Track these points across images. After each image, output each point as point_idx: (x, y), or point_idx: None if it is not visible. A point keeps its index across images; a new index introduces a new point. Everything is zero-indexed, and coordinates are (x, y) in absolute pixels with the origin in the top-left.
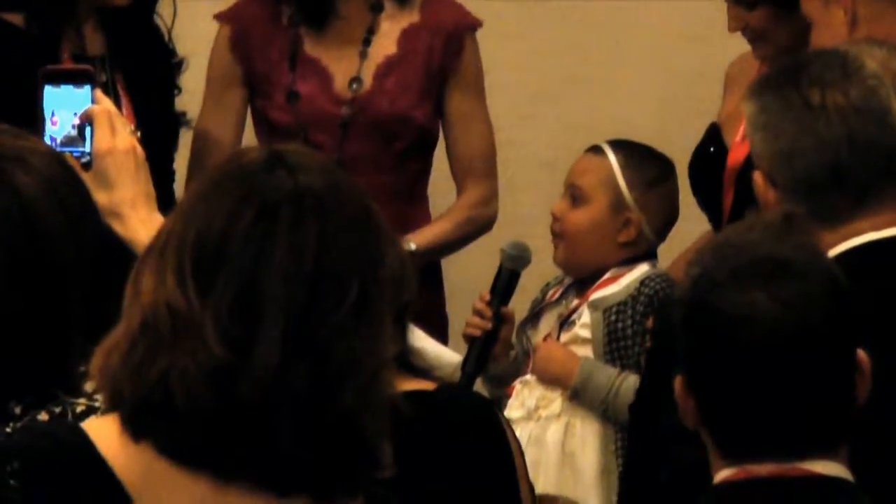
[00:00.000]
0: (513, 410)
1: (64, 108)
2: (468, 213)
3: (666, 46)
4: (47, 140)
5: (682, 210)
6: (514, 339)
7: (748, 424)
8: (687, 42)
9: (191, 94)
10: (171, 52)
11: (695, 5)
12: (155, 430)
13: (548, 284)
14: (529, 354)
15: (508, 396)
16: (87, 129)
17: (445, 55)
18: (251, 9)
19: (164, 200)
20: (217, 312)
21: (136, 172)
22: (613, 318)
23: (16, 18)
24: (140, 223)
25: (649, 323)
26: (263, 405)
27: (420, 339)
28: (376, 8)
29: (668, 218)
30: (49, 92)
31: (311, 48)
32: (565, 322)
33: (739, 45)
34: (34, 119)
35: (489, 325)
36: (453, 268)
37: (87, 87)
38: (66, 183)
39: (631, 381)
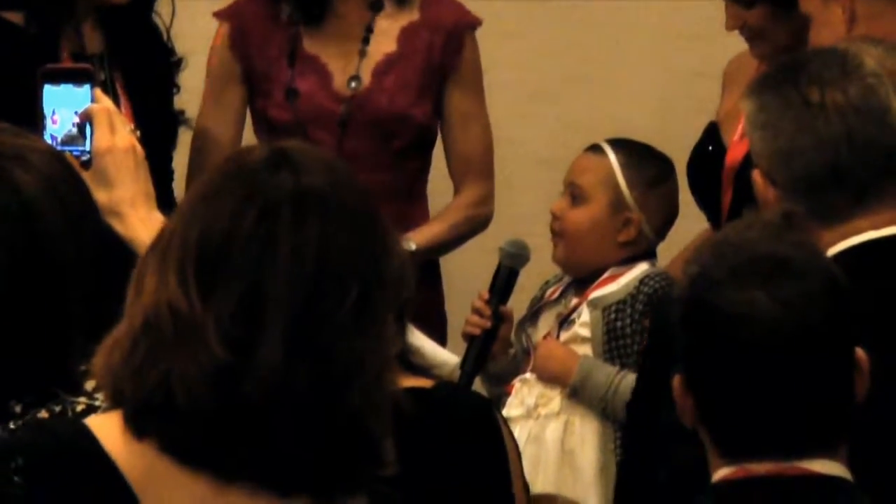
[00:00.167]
0: (512, 409)
1: (64, 106)
2: (465, 212)
3: (665, 46)
4: (47, 139)
5: (682, 208)
6: (513, 337)
7: (747, 423)
8: (686, 41)
9: (190, 93)
10: (169, 51)
11: (694, 5)
12: (157, 429)
13: (547, 283)
14: (529, 353)
15: (508, 395)
16: (88, 128)
17: (445, 53)
18: (250, 7)
19: (163, 199)
20: (219, 314)
21: (135, 171)
22: (613, 316)
23: (15, 17)
24: (139, 222)
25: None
26: (265, 406)
27: (417, 338)
28: (376, 6)
29: (667, 217)
30: (49, 91)
31: (310, 46)
32: (565, 321)
33: (739, 45)
34: (33, 118)
35: (488, 324)
36: (452, 266)
37: (87, 86)
38: (66, 181)
39: (630, 379)
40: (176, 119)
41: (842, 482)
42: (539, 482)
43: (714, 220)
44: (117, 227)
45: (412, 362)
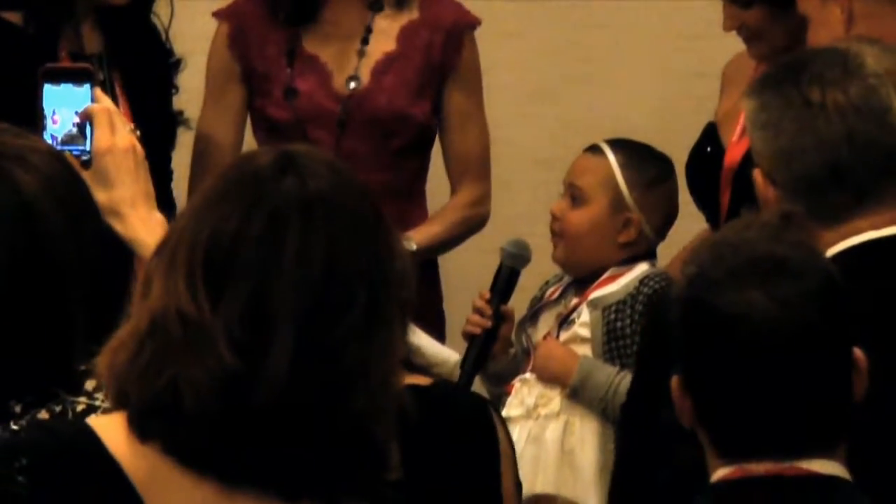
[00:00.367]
0: (512, 409)
1: (65, 106)
2: (463, 212)
3: (664, 46)
4: (48, 138)
5: (681, 209)
6: (513, 337)
7: (745, 423)
8: (685, 41)
9: (189, 93)
10: (168, 52)
11: (694, 5)
12: (161, 431)
13: (547, 283)
14: (529, 353)
15: (508, 394)
16: (88, 128)
17: (444, 53)
18: (249, 6)
19: (162, 200)
20: (228, 321)
21: (135, 171)
22: (612, 316)
23: (14, 17)
24: (139, 222)
25: None
26: (273, 410)
27: (418, 337)
28: (375, 6)
29: (667, 217)
30: (49, 90)
31: (309, 45)
32: (564, 321)
33: (737, 45)
34: (32, 118)
35: (489, 324)
36: (450, 266)
37: (87, 86)
38: (66, 182)
39: (629, 379)
40: (175, 119)
41: (840, 482)
42: (539, 482)
43: (713, 221)
44: (117, 227)
45: (413, 362)
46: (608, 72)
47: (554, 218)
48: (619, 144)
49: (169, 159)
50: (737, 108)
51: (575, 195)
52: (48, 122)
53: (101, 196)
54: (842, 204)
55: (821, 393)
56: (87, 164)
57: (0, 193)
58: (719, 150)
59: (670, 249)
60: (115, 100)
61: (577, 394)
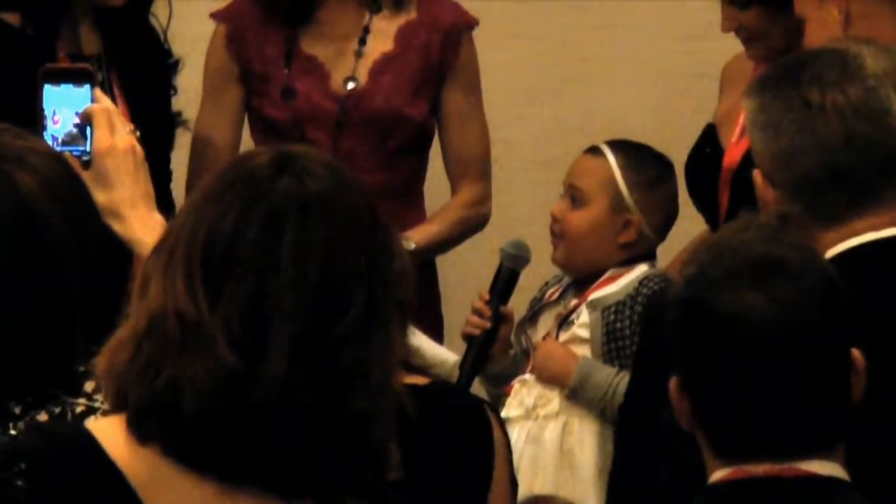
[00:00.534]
0: (511, 409)
1: (65, 106)
2: (462, 212)
3: (663, 47)
4: (48, 139)
5: (681, 210)
6: (512, 338)
7: (743, 424)
8: (685, 42)
9: (187, 94)
10: (167, 53)
11: (693, 5)
12: (160, 433)
13: (546, 284)
14: (528, 354)
15: (507, 395)
16: (88, 128)
17: (443, 53)
18: (247, 7)
19: (161, 201)
20: (226, 320)
21: (135, 172)
22: (612, 317)
23: (12, 18)
24: (139, 222)
25: None
26: (272, 410)
27: (417, 338)
28: (373, 7)
29: (667, 218)
30: (49, 90)
31: (307, 46)
32: (564, 322)
33: (737, 46)
34: (31, 118)
35: (488, 325)
36: (449, 267)
37: (87, 86)
38: (66, 183)
39: (629, 380)
40: (173, 120)
41: (839, 483)
42: (538, 483)
43: (712, 222)
44: (117, 227)
45: (411, 363)
46: (607, 73)
47: (554, 219)
48: (618, 145)
49: (168, 160)
50: (736, 109)
51: (575, 196)
52: (49, 122)
53: (100, 197)
54: (841, 205)
55: (819, 394)
56: (87, 165)
57: (1, 195)
58: (718, 152)
59: (670, 250)
60: (113, 101)
61: (576, 394)
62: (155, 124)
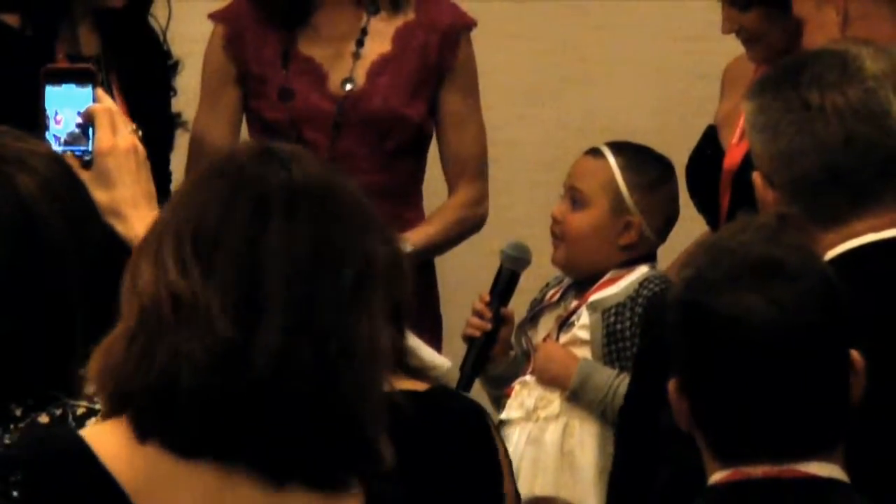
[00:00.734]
0: (511, 411)
1: (67, 106)
2: (460, 213)
3: (664, 47)
4: (51, 139)
5: (681, 211)
6: (513, 339)
7: (742, 426)
8: (685, 43)
9: (186, 95)
10: (166, 54)
11: (693, 5)
12: (160, 424)
13: (547, 285)
14: (529, 355)
15: (507, 397)
16: (90, 128)
17: (441, 53)
18: (245, 8)
19: (162, 201)
20: (221, 291)
21: (137, 172)
22: (612, 319)
23: (11, 19)
24: (140, 222)
25: None
26: (267, 389)
27: (413, 340)
28: (371, 8)
29: (668, 219)
30: (51, 91)
31: (305, 47)
32: (564, 323)
33: (738, 47)
34: (31, 118)
35: (489, 326)
36: (449, 268)
37: (89, 86)
38: (66, 184)
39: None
40: (173, 121)
41: (838, 484)
42: (538, 484)
43: (713, 224)
44: (118, 227)
45: (408, 364)
46: (607, 73)
47: (554, 221)
48: (619, 147)
49: (168, 161)
50: (737, 110)
51: (575, 198)
52: (51, 122)
53: (102, 196)
54: (841, 206)
55: (818, 395)
56: (88, 165)
57: (1, 197)
58: (719, 153)
59: (671, 252)
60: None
61: (577, 396)
62: (154, 125)
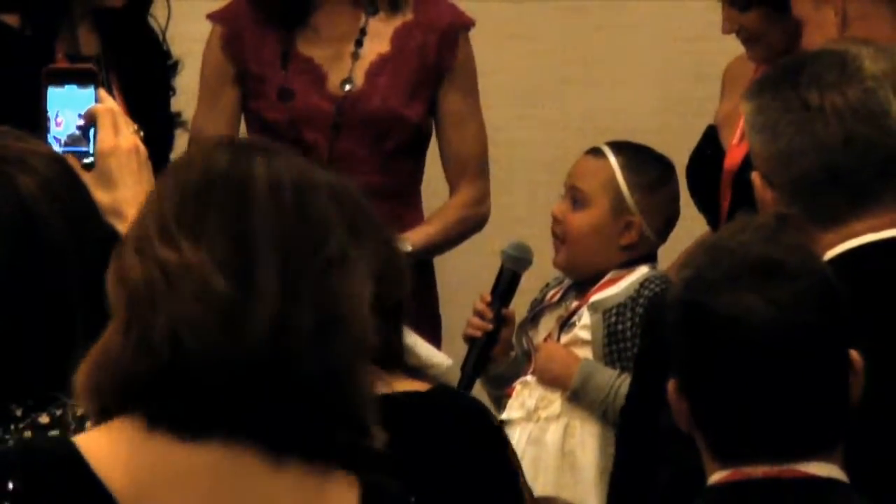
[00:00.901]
0: (512, 411)
1: (68, 107)
2: (461, 212)
3: (665, 48)
4: (51, 140)
5: (682, 211)
6: (513, 340)
7: (742, 426)
8: (686, 43)
9: (186, 95)
10: (166, 54)
11: (693, 6)
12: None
13: (547, 285)
14: (530, 355)
15: (508, 397)
16: (91, 129)
17: (440, 53)
18: (244, 9)
19: None
20: (213, 250)
21: (138, 172)
22: (613, 319)
23: (11, 19)
24: None
25: None
26: (268, 348)
27: (411, 338)
28: (370, 9)
29: (669, 219)
30: (52, 92)
31: (304, 47)
32: (565, 323)
33: (738, 47)
34: (30, 118)
35: (490, 326)
36: (449, 268)
37: (91, 87)
38: (66, 185)
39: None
40: (172, 121)
41: (837, 484)
42: (539, 484)
43: (714, 224)
44: (120, 227)
45: (407, 362)
46: (608, 74)
47: (555, 221)
48: (620, 147)
49: (168, 161)
50: (737, 110)
51: (576, 198)
52: (52, 123)
53: (104, 197)
54: (840, 206)
55: (817, 395)
56: (89, 167)
57: (0, 197)
58: (719, 154)
59: (671, 252)
60: None
61: (578, 396)
62: (154, 125)
